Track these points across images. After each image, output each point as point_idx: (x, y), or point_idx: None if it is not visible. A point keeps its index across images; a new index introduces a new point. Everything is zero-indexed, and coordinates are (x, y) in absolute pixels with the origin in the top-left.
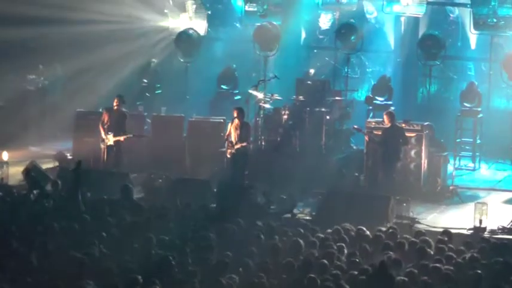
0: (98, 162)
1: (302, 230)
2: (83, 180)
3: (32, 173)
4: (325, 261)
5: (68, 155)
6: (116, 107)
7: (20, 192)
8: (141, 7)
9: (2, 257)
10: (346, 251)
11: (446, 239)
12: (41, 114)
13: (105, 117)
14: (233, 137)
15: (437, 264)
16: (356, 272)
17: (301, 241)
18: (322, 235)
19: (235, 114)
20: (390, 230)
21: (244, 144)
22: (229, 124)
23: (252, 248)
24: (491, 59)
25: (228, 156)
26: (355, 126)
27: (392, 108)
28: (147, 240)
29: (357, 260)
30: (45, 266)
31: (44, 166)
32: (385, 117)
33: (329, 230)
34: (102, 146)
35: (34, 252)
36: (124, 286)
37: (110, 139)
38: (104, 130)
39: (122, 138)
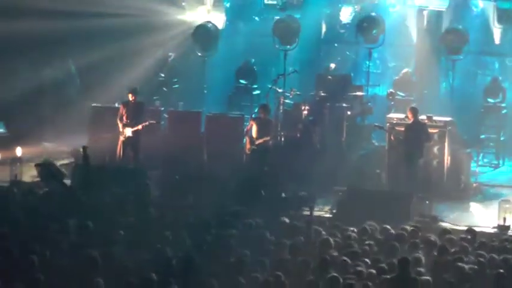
0: (113, 157)
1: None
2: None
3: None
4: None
5: None
6: (132, 100)
7: (33, 189)
8: (158, 0)
9: (15, 254)
10: (372, 250)
11: (469, 237)
12: (56, 110)
13: (123, 111)
14: (254, 133)
15: (460, 263)
16: (380, 271)
17: (331, 239)
18: (350, 233)
19: (260, 111)
20: (412, 228)
21: (266, 138)
22: (250, 120)
23: (271, 247)
24: None
25: (248, 152)
26: (377, 124)
27: (414, 104)
28: (163, 238)
29: (381, 259)
30: (58, 263)
31: (59, 162)
32: (408, 113)
33: (352, 228)
34: (120, 139)
35: (47, 250)
36: (140, 284)
37: (128, 131)
38: (122, 123)
39: (140, 126)
